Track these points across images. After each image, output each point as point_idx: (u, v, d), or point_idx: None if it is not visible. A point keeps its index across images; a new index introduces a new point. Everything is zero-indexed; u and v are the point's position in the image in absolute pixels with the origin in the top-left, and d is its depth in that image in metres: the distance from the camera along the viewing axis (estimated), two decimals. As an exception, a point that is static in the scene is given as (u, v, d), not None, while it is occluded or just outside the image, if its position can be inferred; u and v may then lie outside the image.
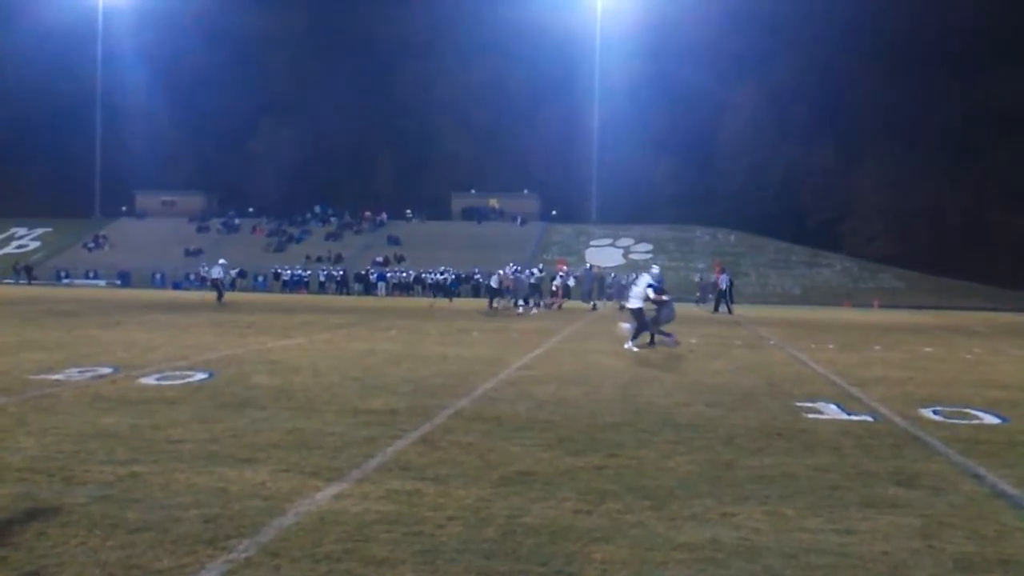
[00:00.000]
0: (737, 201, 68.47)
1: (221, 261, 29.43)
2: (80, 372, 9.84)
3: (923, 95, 67.27)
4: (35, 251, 58.39)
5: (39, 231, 61.95)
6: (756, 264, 51.78)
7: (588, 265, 30.70)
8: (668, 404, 8.44)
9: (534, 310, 26.84)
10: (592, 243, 55.80)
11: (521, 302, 27.39)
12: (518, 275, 28.33)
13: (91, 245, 58.38)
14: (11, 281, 49.95)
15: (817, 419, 7.80)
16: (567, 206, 66.04)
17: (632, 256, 52.72)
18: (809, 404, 8.62)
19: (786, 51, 67.72)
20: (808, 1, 65.45)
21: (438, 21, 74.28)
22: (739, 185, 70.80)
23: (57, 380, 9.17)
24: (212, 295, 28.96)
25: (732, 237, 57.11)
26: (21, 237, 61.49)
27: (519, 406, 8.10)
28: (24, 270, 51.53)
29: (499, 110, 74.17)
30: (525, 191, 67.44)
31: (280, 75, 78.55)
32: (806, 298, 45.18)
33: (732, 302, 30.42)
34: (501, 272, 28.44)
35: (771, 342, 17.24)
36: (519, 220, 60.75)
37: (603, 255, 51.28)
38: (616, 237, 56.77)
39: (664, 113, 66.92)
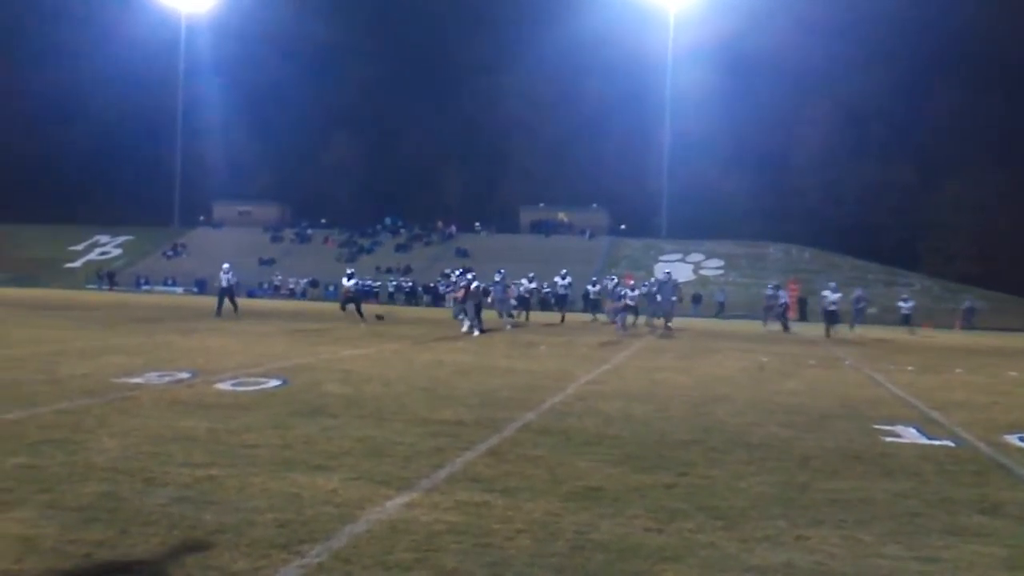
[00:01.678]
0: (812, 218, 67.20)
1: (225, 266, 25.17)
2: (159, 376, 10.14)
3: (1008, 112, 65.06)
4: (117, 258, 60.51)
5: (121, 239, 64.20)
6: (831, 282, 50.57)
7: (665, 272, 26.21)
8: (740, 423, 8.29)
9: (476, 333, 20.16)
10: (661, 258, 55.32)
11: (464, 318, 21.10)
12: (495, 285, 23.49)
13: (170, 253, 60.26)
14: (94, 287, 51.84)
15: (896, 443, 7.56)
16: (636, 220, 65.68)
17: (703, 272, 52.09)
18: (887, 427, 8.36)
19: (865, 66, 66.31)
20: (889, 15, 63.98)
21: (508, 35, 74.89)
22: (814, 201, 69.45)
23: (137, 383, 9.47)
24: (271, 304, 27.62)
25: (807, 254, 55.96)
26: (104, 244, 63.81)
27: (587, 421, 8.06)
28: (106, 276, 53.46)
29: (569, 124, 74.31)
30: (594, 205, 67.28)
31: (353, 89, 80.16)
32: (883, 318, 43.93)
33: (790, 319, 29.90)
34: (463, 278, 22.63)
35: (846, 362, 16.81)
36: (587, 234, 60.63)
37: (673, 270, 50.78)
38: (686, 252, 56.21)
39: (737, 127, 66.12)
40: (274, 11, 70.78)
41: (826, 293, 27.42)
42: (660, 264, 53.34)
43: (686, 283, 48.42)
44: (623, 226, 64.50)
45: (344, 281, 24.04)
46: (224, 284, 24.58)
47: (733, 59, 64.26)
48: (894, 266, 54.42)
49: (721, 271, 52.68)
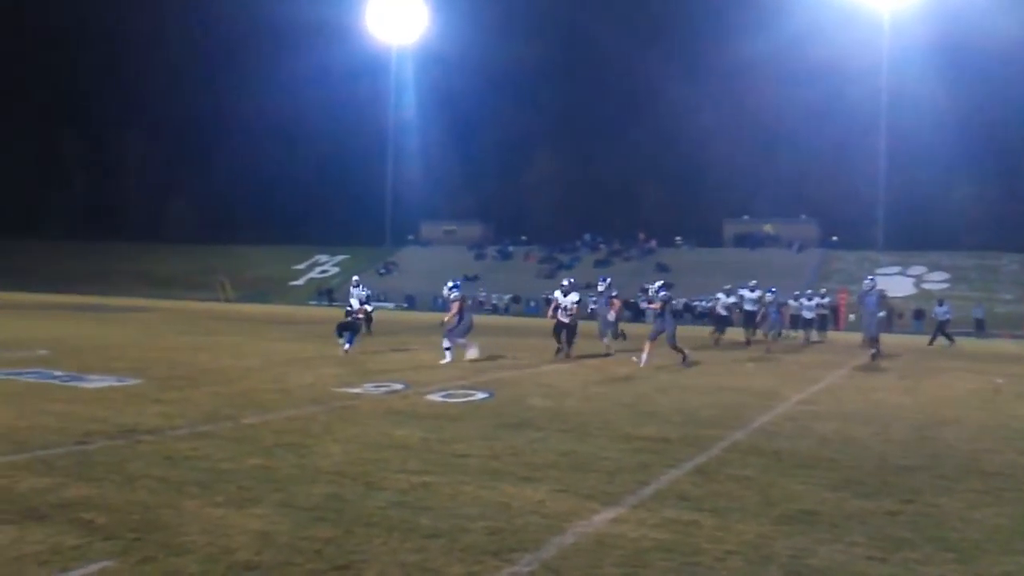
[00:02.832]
0: (1052, 225, 60.70)
1: (357, 282, 21.66)
2: (375, 387, 10.75)
3: None
4: (335, 276, 64.75)
5: (339, 258, 68.69)
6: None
7: (869, 279, 20.40)
8: (971, 449, 7.62)
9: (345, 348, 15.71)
10: (878, 271, 51.92)
11: (345, 342, 15.85)
12: (596, 297, 19.80)
13: (382, 271, 63.75)
14: (315, 303, 55.87)
15: None
16: (850, 231, 62.02)
17: (925, 286, 48.43)
18: None
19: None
20: None
21: (707, 42, 73.31)
22: (1055, 207, 62.72)
23: (356, 393, 10.08)
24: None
25: (1046, 265, 50.65)
26: (323, 263, 68.54)
27: (799, 442, 7.70)
28: (326, 293, 57.47)
29: (774, 131, 71.57)
30: (803, 216, 64.32)
31: (552, 108, 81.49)
32: None
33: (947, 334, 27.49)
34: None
35: (1099, 385, 15.01)
36: (795, 246, 58.07)
37: (891, 284, 47.54)
38: (906, 265, 52.46)
39: (962, 129, 60.95)
40: (475, 37, 73.46)
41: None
42: (877, 278, 50.20)
43: (907, 298, 45.22)
44: (835, 238, 61.16)
45: (559, 296, 17.01)
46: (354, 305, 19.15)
47: (956, 57, 59.32)
48: None
49: (947, 284, 48.72)
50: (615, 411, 9.34)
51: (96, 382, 10.29)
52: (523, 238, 69.00)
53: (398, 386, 10.91)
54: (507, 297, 52.20)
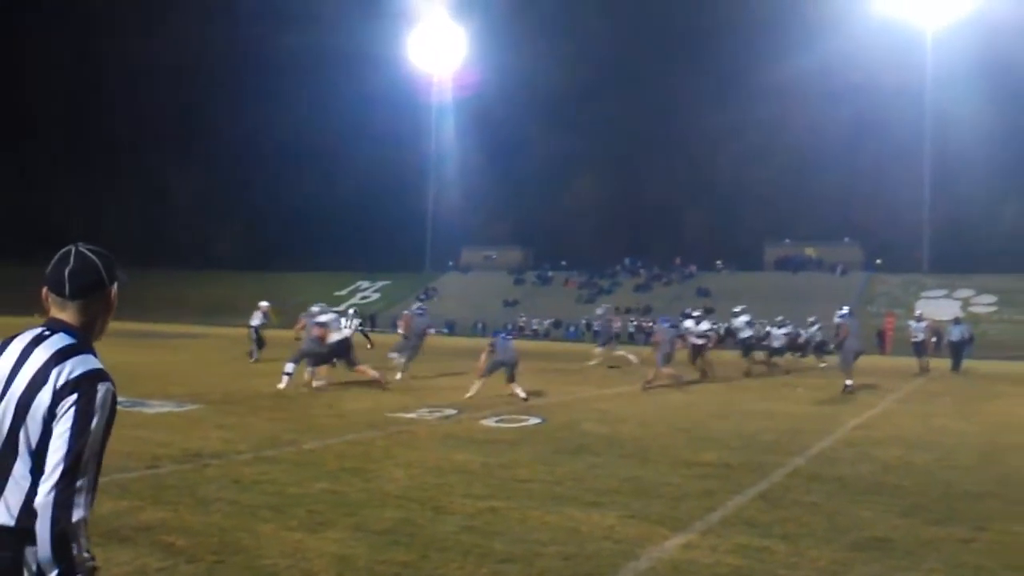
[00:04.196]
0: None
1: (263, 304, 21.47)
2: (430, 412, 10.83)
3: None
4: (376, 301, 65.28)
5: (380, 284, 69.28)
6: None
7: (918, 314, 20.71)
8: (1041, 476, 7.47)
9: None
10: (924, 294, 51.11)
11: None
12: (420, 315, 18.97)
13: (423, 296, 64.15)
14: (359, 329, 56.46)
15: None
16: (894, 254, 61.18)
17: (972, 309, 47.50)
18: None
19: None
20: None
21: (748, 64, 73.08)
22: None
23: (411, 419, 10.17)
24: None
25: (1098, 287, 49.41)
26: (365, 289, 69.17)
27: (861, 468, 7.62)
28: (368, 319, 58.04)
29: (816, 153, 70.99)
30: (846, 239, 63.56)
31: (591, 133, 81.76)
32: None
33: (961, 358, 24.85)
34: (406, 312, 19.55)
35: None
36: (839, 270, 57.37)
37: (937, 308, 46.73)
38: (952, 288, 51.53)
39: (1010, 149, 60.01)
40: (513, 62, 74.26)
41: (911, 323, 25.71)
42: (922, 301, 49.38)
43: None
44: (879, 261, 60.34)
45: (691, 325, 18.66)
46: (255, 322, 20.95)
47: (1003, 76, 58.58)
48: None
49: (994, 307, 47.76)
50: (673, 436, 9.31)
51: (157, 407, 10.50)
52: (563, 263, 69.04)
53: (451, 411, 10.98)
54: (548, 322, 52.20)
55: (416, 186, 77.69)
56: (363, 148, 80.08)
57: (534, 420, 10.29)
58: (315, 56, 78.01)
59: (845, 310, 17.73)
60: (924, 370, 22.97)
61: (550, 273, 65.91)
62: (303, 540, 4.76)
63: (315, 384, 13.62)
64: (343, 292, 68.77)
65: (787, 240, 65.10)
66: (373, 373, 13.61)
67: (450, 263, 73.35)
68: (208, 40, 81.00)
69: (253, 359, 20.12)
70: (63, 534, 1.87)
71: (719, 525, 5.37)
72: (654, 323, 20.56)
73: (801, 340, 25.60)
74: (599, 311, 22.66)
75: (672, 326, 17.26)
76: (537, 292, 61.62)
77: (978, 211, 62.51)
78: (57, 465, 1.91)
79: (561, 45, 76.01)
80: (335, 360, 14.14)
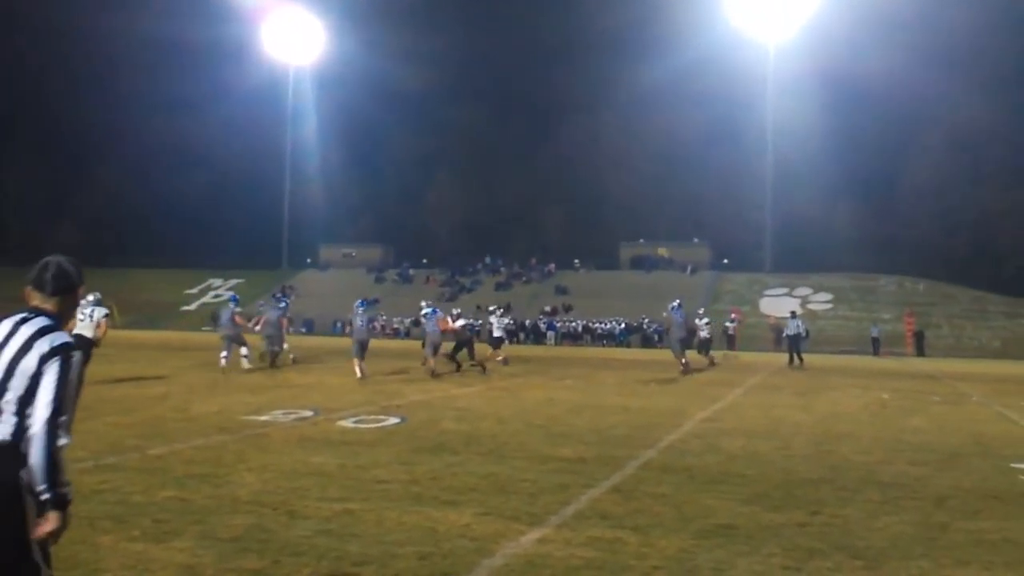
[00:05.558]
0: (925, 248, 64.53)
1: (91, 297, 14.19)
2: (284, 414, 10.53)
3: None
4: (228, 301, 63.18)
5: (233, 282, 66.76)
6: (949, 315, 48.32)
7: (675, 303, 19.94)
8: (867, 462, 8.04)
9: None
10: (766, 292, 54.09)
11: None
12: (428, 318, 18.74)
13: (278, 295, 62.44)
14: (209, 329, 54.07)
15: (1040, 483, 7.19)
16: (739, 255, 64.44)
17: (810, 306, 50.62)
18: (1028, 466, 7.96)
19: (979, 88, 63.69)
20: (998, 38, 61.51)
21: (605, 71, 75.14)
22: (926, 231, 66.74)
23: (266, 421, 9.86)
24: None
25: (921, 286, 53.68)
26: (216, 288, 66.53)
27: (708, 458, 7.96)
28: (217, 318, 55.78)
29: (668, 158, 73.82)
30: (695, 240, 66.48)
31: (452, 132, 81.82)
32: (1006, 351, 41.72)
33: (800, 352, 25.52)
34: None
35: (973, 398, 16.04)
36: (689, 269, 59.89)
37: (779, 305, 49.55)
38: (792, 287, 54.77)
39: (843, 157, 64.35)
40: (375, 59, 73.20)
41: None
42: (765, 299, 52.20)
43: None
44: (726, 260, 63.43)
45: (450, 322, 20.01)
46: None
47: (837, 88, 62.77)
48: (1017, 296, 51.54)
49: (830, 305, 51.11)
50: (529, 433, 9.43)
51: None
52: (424, 261, 68.83)
53: (307, 412, 10.72)
54: (408, 320, 51.84)
55: (273, 181, 75.43)
56: (217, 141, 77.11)
57: (393, 420, 10.19)
58: (167, 44, 74.50)
59: (676, 303, 19.64)
60: (792, 363, 24.70)
61: (411, 271, 65.55)
62: (146, 550, 4.52)
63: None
64: (193, 290, 65.97)
65: (641, 240, 67.39)
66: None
67: (308, 260, 71.68)
68: (50, 23, 76.01)
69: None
70: (54, 455, 2.63)
71: (573, 519, 5.48)
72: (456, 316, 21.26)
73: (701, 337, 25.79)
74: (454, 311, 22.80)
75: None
76: (398, 290, 61.14)
77: (815, 214, 66.66)
78: (47, 405, 2.64)
79: (423, 44, 75.79)
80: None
